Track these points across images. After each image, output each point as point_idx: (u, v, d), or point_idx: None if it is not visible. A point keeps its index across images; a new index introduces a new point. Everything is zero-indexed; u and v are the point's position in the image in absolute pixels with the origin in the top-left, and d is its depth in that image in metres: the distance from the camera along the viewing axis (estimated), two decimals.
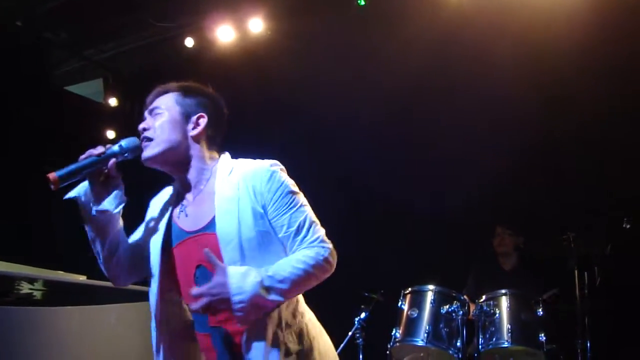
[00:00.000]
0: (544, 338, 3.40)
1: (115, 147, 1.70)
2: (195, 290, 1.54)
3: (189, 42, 5.36)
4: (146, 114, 1.82)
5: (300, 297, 1.73)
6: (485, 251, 4.37)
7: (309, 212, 1.69)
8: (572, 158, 3.97)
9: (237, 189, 1.67)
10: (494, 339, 3.42)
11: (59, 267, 3.98)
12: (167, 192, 1.88)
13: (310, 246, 1.64)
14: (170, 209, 1.81)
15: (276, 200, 1.66)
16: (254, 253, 1.61)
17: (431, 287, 3.56)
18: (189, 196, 1.77)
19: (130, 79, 6.19)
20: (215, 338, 1.68)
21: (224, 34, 5.11)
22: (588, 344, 3.52)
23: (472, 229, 4.43)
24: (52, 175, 1.56)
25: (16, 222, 5.04)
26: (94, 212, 1.66)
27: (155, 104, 1.81)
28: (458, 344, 3.51)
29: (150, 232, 1.82)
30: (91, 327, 3.59)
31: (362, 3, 4.54)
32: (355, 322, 4.09)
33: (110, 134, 6.13)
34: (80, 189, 1.67)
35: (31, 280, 3.25)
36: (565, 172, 4.00)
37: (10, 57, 5.23)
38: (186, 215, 1.75)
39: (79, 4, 5.26)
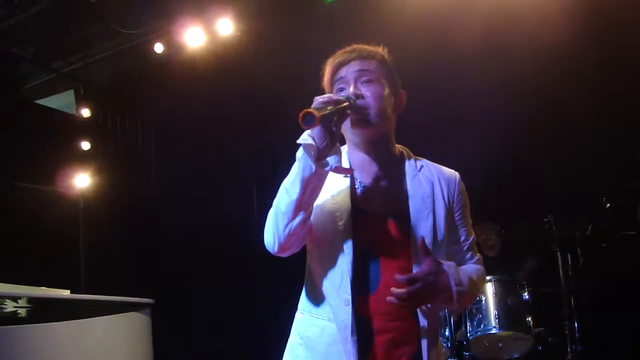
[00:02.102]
0: (531, 321, 3.43)
1: (345, 98, 1.50)
2: (406, 276, 1.45)
3: (159, 47, 5.28)
4: (346, 73, 1.63)
5: None
6: None
7: None
8: (547, 140, 3.98)
9: (432, 188, 1.65)
10: (482, 326, 3.44)
11: (42, 282, 3.92)
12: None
13: (479, 264, 1.71)
14: (348, 180, 1.64)
15: (462, 211, 1.68)
16: (438, 253, 1.58)
17: None
18: (373, 175, 1.65)
19: (101, 88, 6.10)
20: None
21: (194, 37, 5.04)
22: (575, 324, 3.54)
23: None
24: (314, 110, 1.35)
25: None
26: (330, 167, 1.44)
27: (360, 66, 1.63)
28: (447, 333, 3.53)
29: (331, 205, 1.60)
30: (78, 341, 3.55)
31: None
32: None
33: (86, 145, 6.05)
34: (309, 138, 1.43)
35: (15, 298, 3.20)
36: (541, 154, 4.00)
37: None
38: (368, 194, 1.63)
39: (45, 17, 5.18)
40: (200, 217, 5.14)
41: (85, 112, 6.09)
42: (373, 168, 1.66)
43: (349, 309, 1.52)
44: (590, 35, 3.77)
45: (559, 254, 3.58)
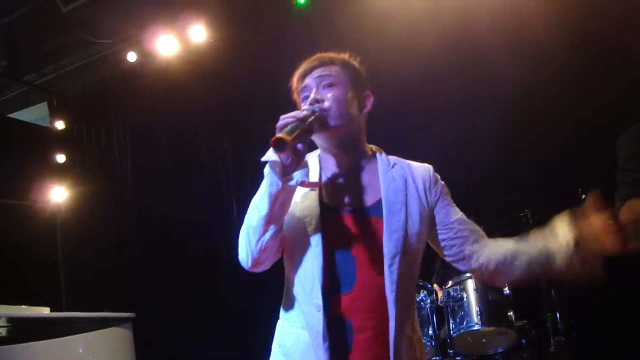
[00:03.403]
0: (513, 315, 3.44)
1: (308, 113, 1.52)
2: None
3: (131, 56, 5.25)
4: (309, 81, 1.67)
5: None
6: None
7: None
8: (524, 134, 4.00)
9: (405, 183, 1.65)
10: (465, 323, 3.45)
11: (21, 300, 3.87)
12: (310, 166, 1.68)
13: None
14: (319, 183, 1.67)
15: (447, 197, 1.70)
16: (411, 248, 1.58)
17: None
18: (343, 175, 1.68)
19: (74, 100, 6.03)
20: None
21: (166, 45, 5.02)
22: (557, 316, 3.57)
23: None
24: (285, 136, 1.37)
25: None
26: (296, 182, 1.46)
27: (323, 72, 1.67)
28: (430, 331, 3.54)
29: (300, 206, 1.62)
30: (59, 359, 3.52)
31: (302, 2, 4.52)
32: None
33: (61, 158, 5.99)
34: (274, 154, 1.46)
35: None
36: (518, 148, 4.03)
37: None
38: (338, 193, 1.65)
39: (16, 29, 5.12)
40: (180, 228, 5.09)
41: (60, 125, 6.04)
42: (343, 168, 1.69)
43: (320, 315, 1.52)
44: (563, 32, 3.81)
45: None
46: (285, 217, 1.59)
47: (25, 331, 3.42)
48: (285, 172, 1.46)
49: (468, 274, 3.53)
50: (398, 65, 4.08)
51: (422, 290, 3.56)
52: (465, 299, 3.48)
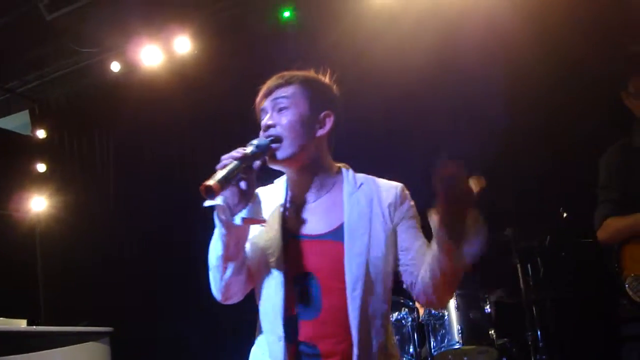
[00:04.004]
0: (494, 334, 3.44)
1: (252, 148, 1.51)
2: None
3: (115, 66, 5.21)
4: (266, 104, 1.64)
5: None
6: None
7: None
8: (505, 156, 4.02)
9: (371, 204, 1.60)
10: (446, 341, 3.44)
11: None
12: (273, 193, 1.71)
13: None
14: (281, 209, 1.65)
15: (412, 219, 1.63)
16: (376, 271, 1.54)
17: None
18: (307, 200, 1.65)
19: (57, 108, 5.97)
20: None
21: (151, 55, 4.99)
22: (538, 334, 3.57)
23: None
24: (213, 183, 1.35)
25: None
26: (240, 221, 1.47)
27: (278, 93, 1.63)
28: (411, 349, 3.51)
29: (264, 236, 1.62)
30: None
31: (287, 16, 4.53)
32: None
33: (41, 167, 5.91)
34: (220, 196, 1.45)
35: None
36: (499, 167, 4.04)
37: None
38: (301, 219, 1.62)
39: None
40: (163, 238, 5.04)
41: (41, 133, 5.97)
42: (307, 192, 1.66)
43: (281, 344, 1.51)
44: (546, 55, 3.85)
45: (518, 265, 3.60)
46: (249, 248, 1.60)
47: (1, 346, 3.37)
48: (233, 212, 1.47)
49: None
50: (381, 82, 4.10)
51: (403, 308, 3.54)
52: (446, 317, 3.47)
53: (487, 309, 3.49)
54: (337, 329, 1.50)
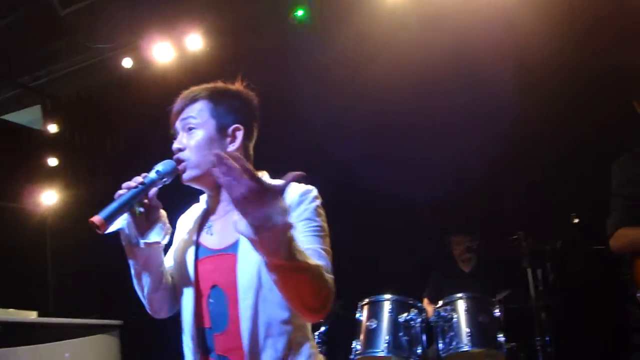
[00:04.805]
0: (503, 338, 3.42)
1: (153, 174, 1.57)
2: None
3: (127, 62, 5.23)
4: (177, 125, 1.67)
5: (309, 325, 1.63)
6: (444, 254, 4.39)
7: (328, 242, 1.56)
8: (517, 159, 4.00)
9: None
10: (454, 344, 3.41)
11: (8, 303, 3.83)
12: (196, 209, 1.77)
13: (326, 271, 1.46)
14: (198, 226, 1.70)
15: (306, 222, 1.53)
16: (270, 282, 1.47)
17: (388, 296, 3.54)
18: (217, 214, 1.68)
19: (69, 103, 5.99)
20: None
21: (163, 52, 5.00)
22: (547, 340, 3.55)
23: (424, 234, 4.43)
24: (97, 219, 1.41)
25: None
26: (142, 245, 1.55)
27: (186, 113, 1.65)
28: (419, 351, 3.50)
29: (180, 252, 1.69)
30: None
31: (301, 15, 4.51)
32: (316, 337, 4.03)
33: (53, 161, 5.94)
34: (123, 221, 1.53)
35: None
36: (511, 170, 4.03)
37: None
38: (211, 234, 1.66)
39: (11, 30, 5.08)
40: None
41: (52, 128, 6.00)
42: (220, 206, 1.69)
43: (194, 358, 1.58)
44: (559, 56, 3.82)
45: (529, 270, 3.59)
46: (172, 264, 1.69)
47: (11, 336, 3.39)
48: (137, 236, 1.55)
49: (459, 295, 3.51)
50: (394, 81, 4.08)
51: (412, 309, 3.52)
52: (455, 319, 3.45)
53: (497, 312, 3.47)
54: (244, 341, 1.50)
